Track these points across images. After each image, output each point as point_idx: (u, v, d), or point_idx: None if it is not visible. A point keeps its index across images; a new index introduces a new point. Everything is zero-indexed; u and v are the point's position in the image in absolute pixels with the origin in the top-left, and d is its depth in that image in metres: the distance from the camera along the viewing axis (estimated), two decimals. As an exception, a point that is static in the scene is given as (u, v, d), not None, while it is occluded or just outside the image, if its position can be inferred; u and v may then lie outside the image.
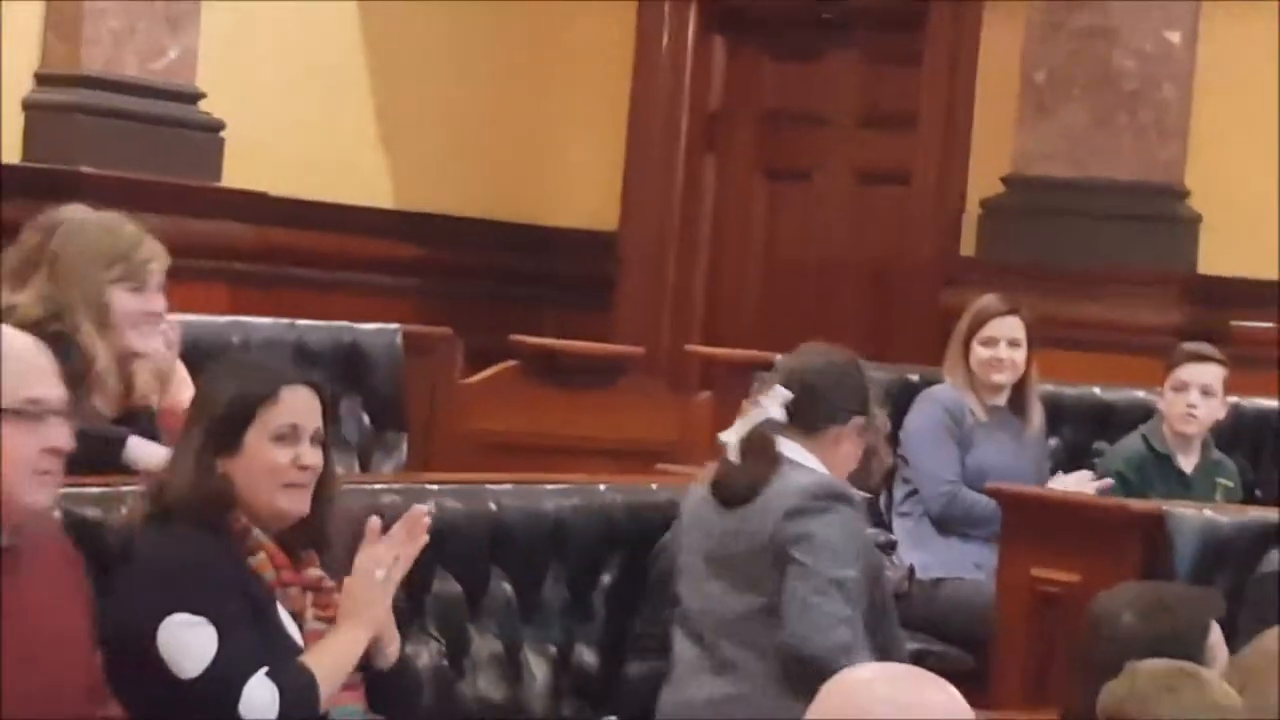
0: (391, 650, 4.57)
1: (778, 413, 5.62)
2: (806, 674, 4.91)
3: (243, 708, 4.25)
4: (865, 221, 11.08)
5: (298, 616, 4.46)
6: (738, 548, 5.50)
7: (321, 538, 4.58)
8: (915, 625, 7.11)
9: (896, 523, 7.62)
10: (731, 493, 5.54)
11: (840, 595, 5.41)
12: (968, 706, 3.75)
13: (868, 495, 5.86)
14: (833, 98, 11.16)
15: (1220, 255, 10.13)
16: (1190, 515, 6.66)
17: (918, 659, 6.38)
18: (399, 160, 10.38)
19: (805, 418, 5.64)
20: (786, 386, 5.64)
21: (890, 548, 7.42)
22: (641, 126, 11.29)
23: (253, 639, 4.32)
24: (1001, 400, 7.71)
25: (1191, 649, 4.47)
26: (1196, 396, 7.57)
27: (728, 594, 5.51)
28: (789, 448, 5.60)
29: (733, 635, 5.49)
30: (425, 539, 4.64)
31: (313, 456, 4.56)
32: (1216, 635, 4.60)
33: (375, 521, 4.59)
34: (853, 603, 5.43)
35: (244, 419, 4.47)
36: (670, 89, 11.29)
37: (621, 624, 5.70)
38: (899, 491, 7.66)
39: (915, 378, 8.02)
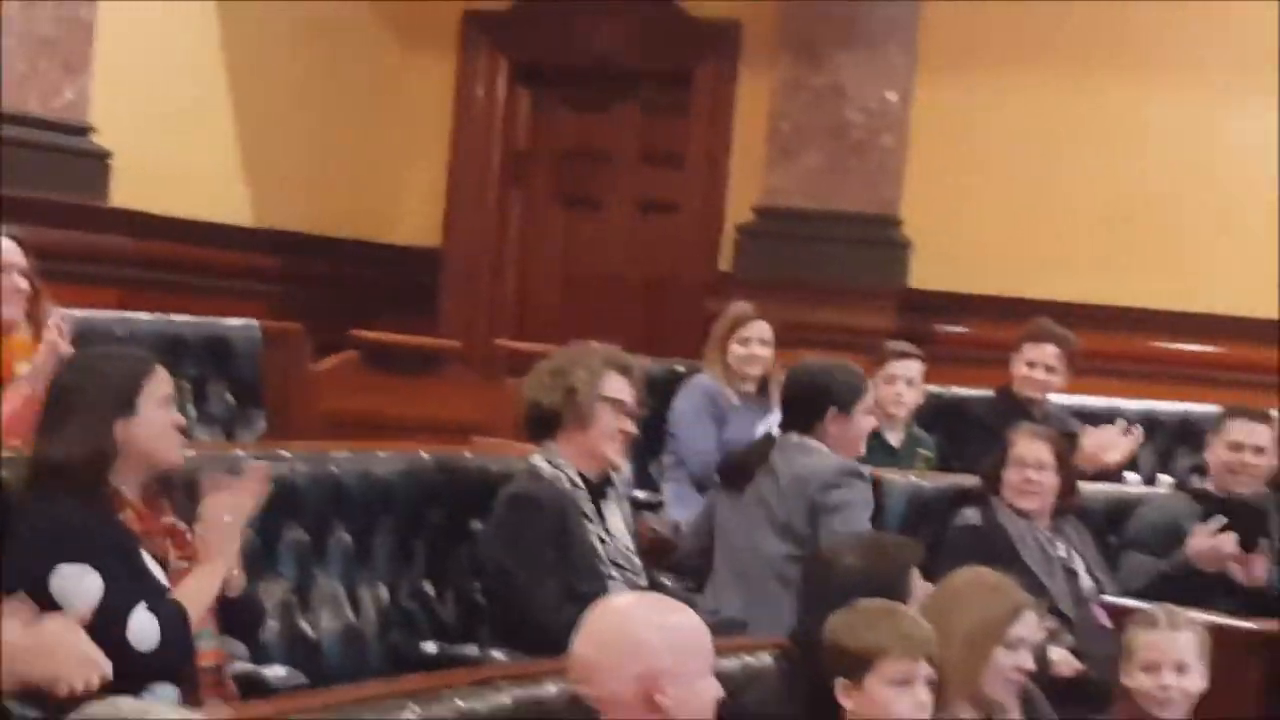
0: (238, 582, 4.53)
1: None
2: None
3: (130, 636, 4.21)
4: (644, 243, 11.10)
5: (162, 559, 4.41)
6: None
7: (170, 488, 4.53)
8: (681, 571, 7.15)
9: (665, 486, 7.65)
10: None
11: None
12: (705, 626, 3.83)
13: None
14: (617, 140, 11.18)
15: (927, 273, 10.28)
16: (899, 480, 6.77)
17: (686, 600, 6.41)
18: (259, 184, 10.30)
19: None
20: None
21: (657, 507, 7.49)
22: (460, 161, 11.25)
23: (129, 581, 4.28)
24: (751, 388, 7.77)
25: (898, 586, 4.54)
26: (902, 386, 7.69)
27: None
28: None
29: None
30: (265, 489, 4.58)
31: (181, 418, 4.55)
32: (916, 576, 4.66)
33: (220, 475, 4.54)
34: None
35: (136, 388, 4.43)
36: (484, 130, 11.26)
37: (440, 566, 5.70)
38: (667, 460, 7.70)
39: (681, 368, 8.10)
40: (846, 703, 4.22)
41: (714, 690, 3.84)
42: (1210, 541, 6.54)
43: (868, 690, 4.21)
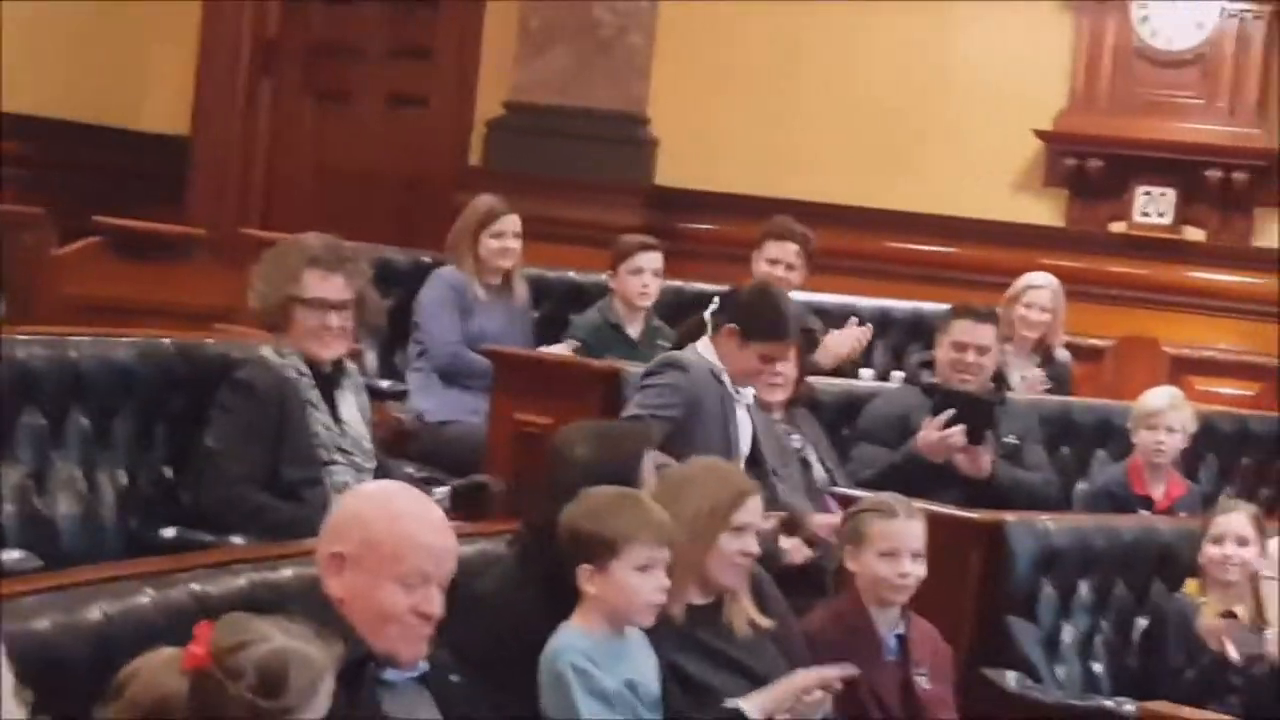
0: None
1: None
2: None
3: None
4: (394, 136, 10.98)
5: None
6: None
7: None
8: (423, 459, 7.12)
9: (410, 376, 7.62)
10: None
11: None
12: (433, 512, 3.79)
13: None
14: (367, 33, 11.03)
15: (673, 171, 10.31)
16: (636, 372, 6.76)
17: (426, 484, 6.38)
18: (5, 69, 10.02)
19: None
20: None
21: (401, 396, 7.45)
22: (209, 49, 11.04)
23: None
24: (497, 281, 7.74)
25: (629, 473, 4.54)
26: (649, 278, 7.70)
27: None
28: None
29: None
30: None
31: None
32: (649, 463, 4.67)
33: None
34: None
35: None
36: (234, 18, 11.05)
37: (181, 452, 5.60)
38: (412, 350, 7.65)
39: (429, 259, 8.04)
40: (589, 588, 4.22)
41: (400, 603, 3.72)
42: (940, 434, 6.65)
43: (612, 575, 4.21)
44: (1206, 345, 9.57)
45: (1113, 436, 7.51)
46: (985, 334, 7.00)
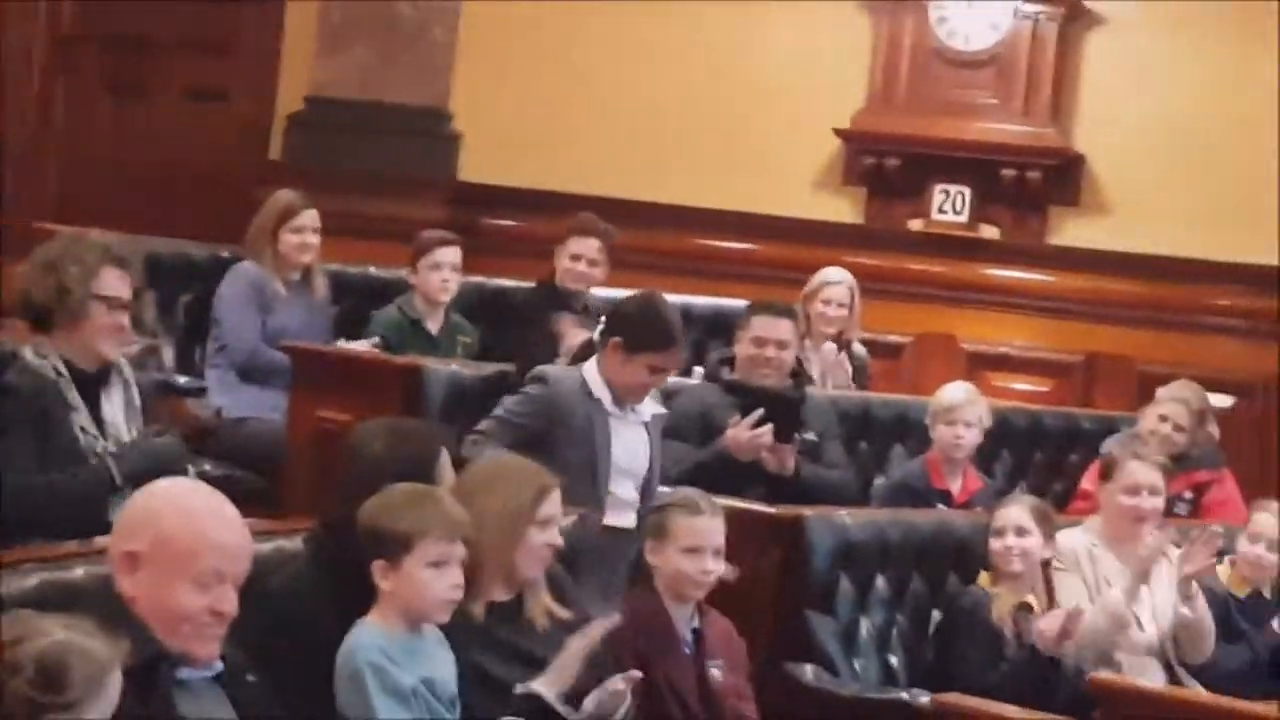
0: None
1: None
2: None
3: None
4: (194, 131, 10.82)
5: None
6: None
7: None
8: (222, 456, 7.06)
9: (208, 373, 7.53)
10: None
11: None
12: (228, 510, 3.74)
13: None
14: (166, 27, 10.87)
15: (476, 166, 10.29)
16: (439, 368, 6.76)
17: (225, 483, 6.31)
18: None
19: None
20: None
21: (199, 393, 7.36)
22: (4, 44, 10.81)
23: None
24: (297, 276, 7.68)
25: (425, 470, 4.52)
26: (449, 272, 7.67)
27: None
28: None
29: None
30: None
31: None
32: (446, 462, 4.64)
33: None
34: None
35: None
36: (30, 14, 10.85)
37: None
38: (211, 347, 7.57)
39: (226, 254, 7.95)
40: (384, 584, 4.20)
41: (194, 602, 3.66)
42: (750, 434, 6.68)
43: (405, 571, 4.19)
44: (1002, 342, 9.72)
45: (910, 432, 7.59)
46: (784, 329, 7.04)
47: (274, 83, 10.57)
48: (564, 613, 4.67)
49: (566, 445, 5.81)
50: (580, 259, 7.93)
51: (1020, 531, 6.03)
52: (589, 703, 4.44)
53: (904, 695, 5.76)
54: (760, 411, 6.69)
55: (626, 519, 5.90)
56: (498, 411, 5.97)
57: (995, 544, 6.04)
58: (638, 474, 5.97)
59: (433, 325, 7.64)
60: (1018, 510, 6.08)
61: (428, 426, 5.20)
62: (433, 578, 4.20)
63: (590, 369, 5.97)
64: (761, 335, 7.01)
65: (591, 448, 5.85)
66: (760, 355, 6.98)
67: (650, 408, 6.07)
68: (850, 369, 8.13)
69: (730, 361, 7.09)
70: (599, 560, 5.63)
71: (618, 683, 4.49)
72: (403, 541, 4.19)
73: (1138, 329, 9.52)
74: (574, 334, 6.67)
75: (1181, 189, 9.49)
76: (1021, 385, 9.55)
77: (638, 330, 5.94)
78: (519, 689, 4.37)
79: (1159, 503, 6.27)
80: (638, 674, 4.56)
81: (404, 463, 4.47)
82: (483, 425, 5.92)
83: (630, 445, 5.97)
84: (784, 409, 6.78)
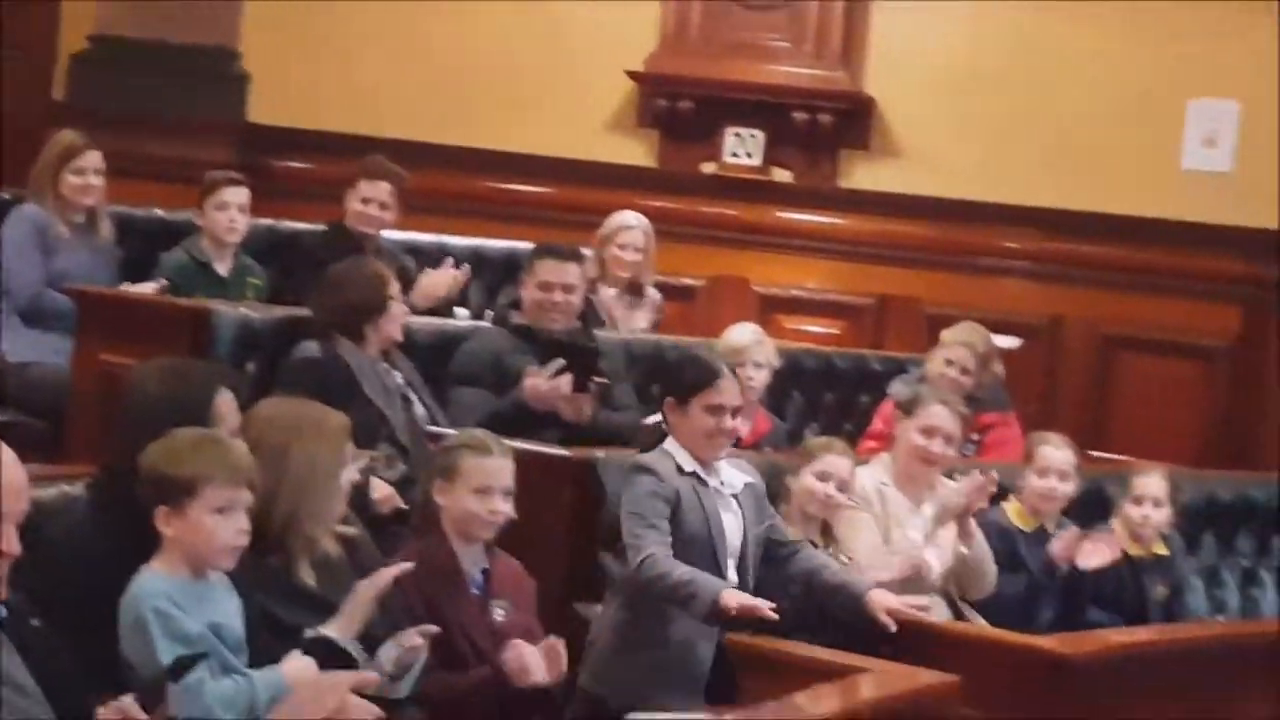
0: None
1: None
2: None
3: None
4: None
5: None
6: None
7: None
8: (5, 401, 6.96)
9: (-9, 317, 7.41)
10: None
11: None
12: (5, 451, 3.67)
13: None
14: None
15: (265, 108, 10.19)
16: (228, 311, 6.69)
17: (7, 428, 6.23)
18: None
19: None
20: None
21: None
22: None
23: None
24: (82, 219, 7.56)
25: (200, 410, 4.48)
26: (235, 213, 7.58)
27: None
28: None
29: None
30: None
31: None
32: (226, 403, 4.60)
33: None
34: None
35: None
36: None
37: None
38: (-6, 291, 7.45)
39: (8, 196, 7.80)
40: (166, 530, 4.16)
41: None
42: (549, 384, 6.70)
43: (190, 517, 4.15)
44: (794, 284, 9.82)
45: (703, 374, 7.62)
46: (571, 273, 7.05)
47: (56, 22, 10.38)
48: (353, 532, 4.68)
49: (681, 530, 5.43)
50: (371, 202, 7.88)
51: (840, 481, 6.07)
52: (386, 660, 4.44)
53: (694, 633, 5.81)
54: (560, 362, 6.71)
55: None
56: (638, 523, 5.40)
57: (812, 485, 6.05)
58: (735, 551, 5.54)
59: (221, 267, 7.56)
60: (841, 460, 6.10)
61: (206, 366, 5.12)
62: (218, 524, 4.17)
63: (672, 445, 5.54)
64: (548, 279, 7.02)
65: (705, 526, 5.46)
66: (547, 299, 6.99)
67: (739, 476, 5.63)
68: (643, 313, 8.16)
69: (519, 305, 7.09)
70: None
71: (414, 637, 4.49)
72: (187, 487, 4.15)
73: (927, 271, 9.66)
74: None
75: (969, 133, 9.63)
76: (813, 328, 9.66)
77: (678, 377, 5.66)
78: (309, 633, 4.36)
79: (951, 451, 6.36)
80: (433, 628, 4.57)
81: (179, 403, 4.43)
82: (636, 540, 5.37)
83: (729, 519, 5.54)
84: (580, 358, 6.80)
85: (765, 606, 5.23)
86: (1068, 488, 6.62)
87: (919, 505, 6.29)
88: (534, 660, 4.87)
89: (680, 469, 5.47)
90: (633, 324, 8.05)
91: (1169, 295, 9.37)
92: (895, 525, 6.25)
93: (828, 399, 8.24)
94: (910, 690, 4.95)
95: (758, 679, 5.10)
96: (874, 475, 6.38)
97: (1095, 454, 7.94)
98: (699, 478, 5.49)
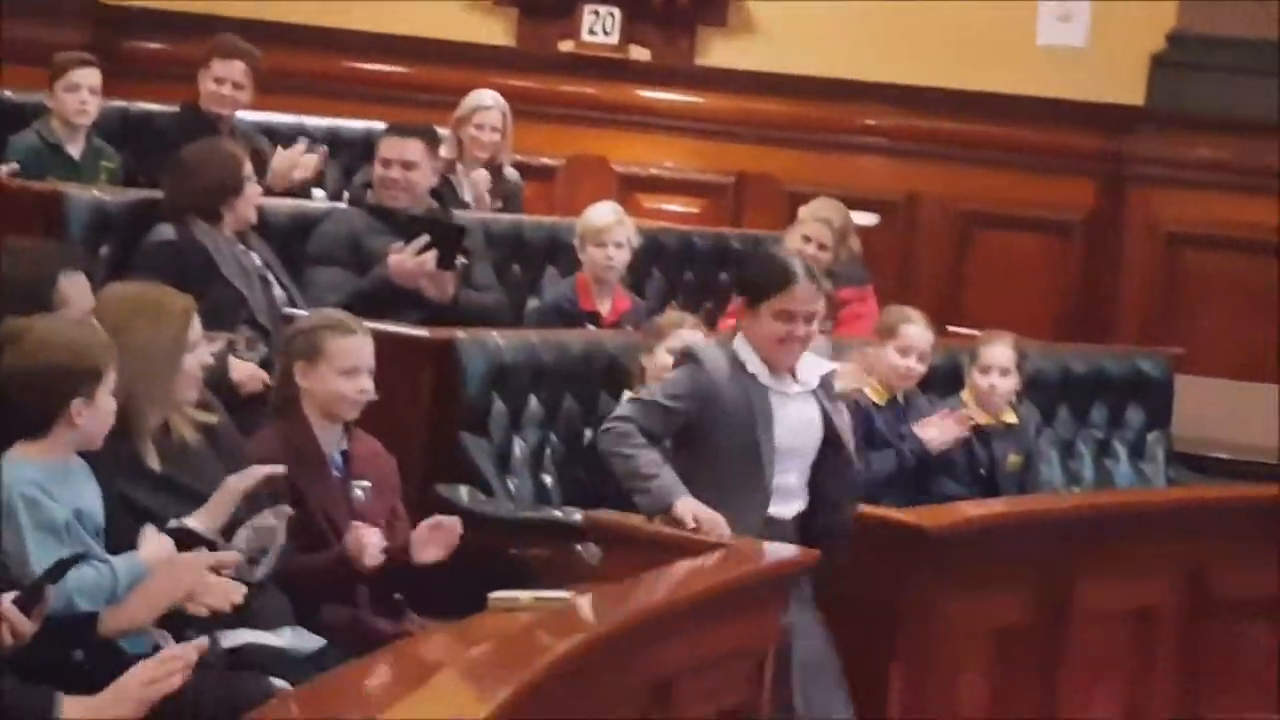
0: None
1: None
2: None
3: None
4: None
5: None
6: None
7: None
8: None
9: None
10: None
11: None
12: None
13: None
14: None
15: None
16: (80, 194, 6.60)
17: None
18: None
19: None
20: None
21: None
22: None
23: None
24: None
25: (44, 292, 4.44)
26: (86, 95, 7.45)
27: None
28: None
29: None
30: None
31: None
32: (73, 284, 4.54)
33: None
34: None
35: None
36: None
37: None
38: None
39: None
40: (79, 420, 4.11)
41: None
42: (415, 260, 6.68)
43: (99, 404, 4.13)
44: (653, 163, 9.81)
45: (562, 253, 7.63)
46: (412, 149, 7.04)
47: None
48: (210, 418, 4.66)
49: (722, 429, 5.24)
50: (224, 82, 7.76)
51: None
52: (239, 539, 4.43)
53: (558, 513, 5.85)
54: (425, 238, 6.68)
55: (789, 508, 5.32)
56: (644, 394, 5.41)
57: (666, 362, 6.07)
58: (807, 452, 5.33)
59: (73, 150, 7.44)
60: (692, 334, 6.12)
61: (52, 248, 5.07)
62: (111, 406, 4.14)
63: (740, 342, 5.31)
64: (388, 156, 7.03)
65: (751, 430, 5.23)
66: (387, 176, 6.99)
67: (815, 368, 5.36)
68: (503, 193, 8.13)
69: (370, 184, 7.08)
70: None
71: (268, 518, 4.48)
72: (95, 374, 4.11)
73: (785, 149, 9.69)
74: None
75: (826, 10, 9.63)
76: (673, 206, 9.67)
77: (752, 279, 5.39)
78: (172, 523, 4.34)
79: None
80: (289, 510, 4.56)
81: (20, 284, 4.38)
82: (624, 410, 5.34)
83: (796, 422, 5.31)
84: (445, 235, 6.78)
85: (717, 528, 5.05)
86: (923, 367, 6.69)
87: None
88: (373, 541, 4.86)
89: (740, 367, 5.25)
90: (490, 205, 8.02)
91: (1024, 171, 9.47)
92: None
93: (688, 277, 8.26)
94: (770, 565, 5.00)
95: (617, 556, 5.12)
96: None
97: (951, 328, 7.99)
98: (756, 379, 5.25)
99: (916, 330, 6.62)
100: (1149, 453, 7.53)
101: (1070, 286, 9.45)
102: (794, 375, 5.31)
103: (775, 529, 5.23)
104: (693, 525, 5.04)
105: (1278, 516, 6.49)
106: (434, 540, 4.98)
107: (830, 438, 5.32)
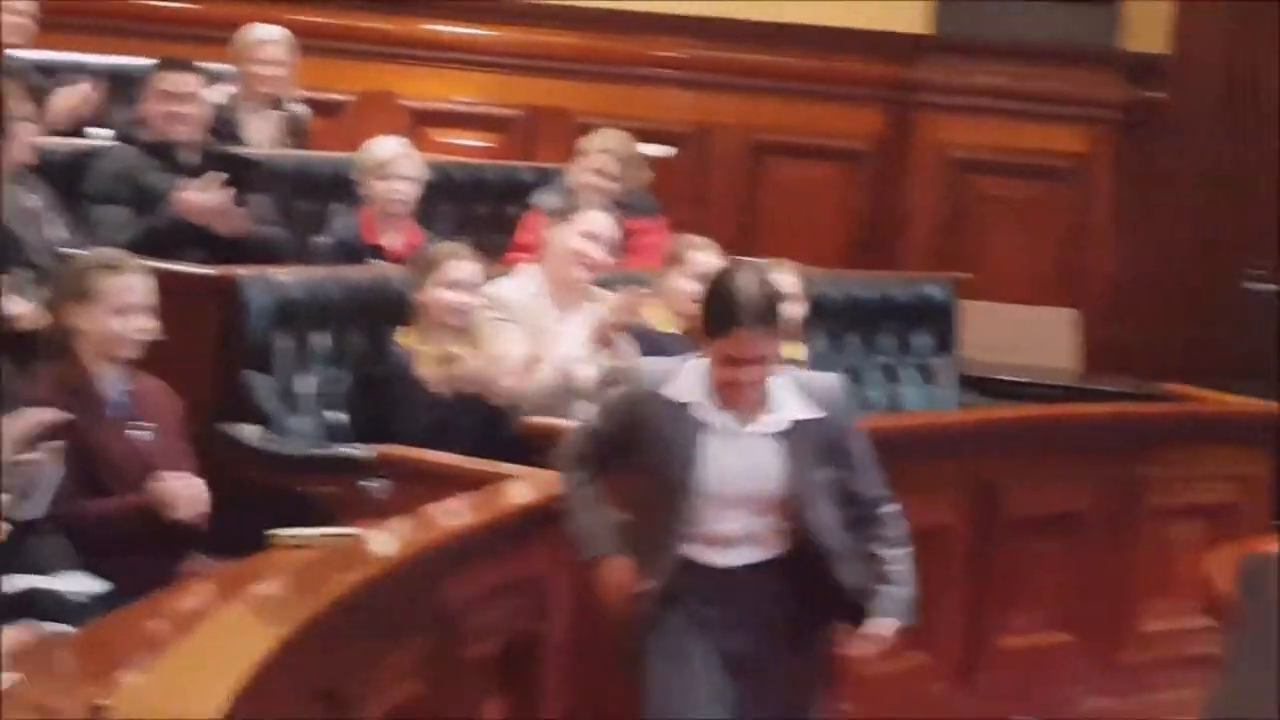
0: None
1: None
2: None
3: None
4: None
5: None
6: None
7: None
8: None
9: None
10: None
11: None
12: None
13: None
14: None
15: None
16: None
17: None
18: None
19: None
20: None
21: None
22: None
23: None
24: None
25: None
26: None
27: None
28: None
29: None
30: None
31: None
32: None
33: None
34: None
35: None
36: None
37: None
38: None
39: None
40: None
41: None
42: (205, 196, 6.60)
43: None
44: (444, 97, 9.75)
45: (349, 189, 7.54)
46: (186, 82, 7.00)
47: None
48: None
49: (648, 460, 4.57)
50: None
51: (469, 288, 6.08)
52: (4, 476, 4.35)
53: (347, 450, 5.81)
54: (216, 175, 6.62)
55: (734, 557, 4.57)
56: (584, 428, 4.80)
57: (443, 295, 6.05)
58: (753, 501, 4.55)
59: None
60: (469, 265, 6.11)
61: None
62: None
63: (693, 367, 4.59)
64: (164, 89, 6.97)
65: (672, 466, 4.52)
66: (164, 111, 6.93)
67: (788, 412, 4.57)
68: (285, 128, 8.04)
69: (144, 122, 7.00)
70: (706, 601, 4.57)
71: (35, 454, 4.40)
72: None
73: (577, 82, 9.67)
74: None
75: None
76: (465, 140, 9.62)
77: (705, 311, 4.58)
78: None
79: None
80: (59, 444, 4.48)
81: None
82: (569, 443, 4.77)
83: (739, 466, 4.54)
84: (238, 172, 6.70)
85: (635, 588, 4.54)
86: None
87: (570, 314, 6.32)
88: (184, 494, 4.80)
89: (679, 394, 4.54)
90: (274, 139, 7.93)
91: (815, 100, 9.53)
92: (544, 335, 6.28)
93: (478, 211, 8.21)
94: (553, 497, 4.99)
95: (406, 491, 5.10)
96: (523, 286, 6.40)
97: (745, 258, 8.01)
98: (691, 413, 4.52)
99: (704, 256, 6.63)
100: (937, 377, 7.62)
101: (861, 214, 9.54)
102: (759, 412, 4.56)
103: (716, 577, 4.56)
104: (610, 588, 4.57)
105: (1065, 436, 6.61)
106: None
107: (801, 488, 4.55)
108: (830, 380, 4.69)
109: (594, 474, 4.64)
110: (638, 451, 4.56)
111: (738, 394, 4.51)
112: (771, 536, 4.57)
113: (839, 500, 4.62)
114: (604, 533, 4.60)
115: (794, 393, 4.57)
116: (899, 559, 4.71)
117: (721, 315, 4.48)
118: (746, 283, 4.48)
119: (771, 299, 4.51)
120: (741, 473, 4.52)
